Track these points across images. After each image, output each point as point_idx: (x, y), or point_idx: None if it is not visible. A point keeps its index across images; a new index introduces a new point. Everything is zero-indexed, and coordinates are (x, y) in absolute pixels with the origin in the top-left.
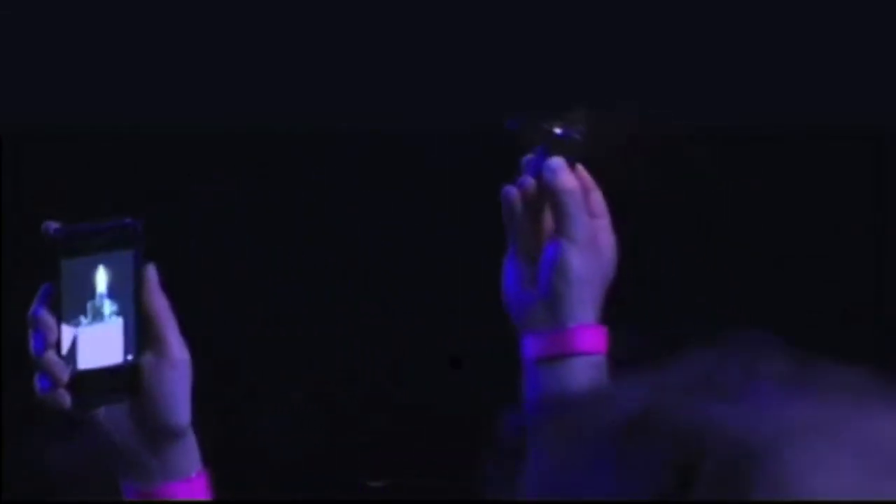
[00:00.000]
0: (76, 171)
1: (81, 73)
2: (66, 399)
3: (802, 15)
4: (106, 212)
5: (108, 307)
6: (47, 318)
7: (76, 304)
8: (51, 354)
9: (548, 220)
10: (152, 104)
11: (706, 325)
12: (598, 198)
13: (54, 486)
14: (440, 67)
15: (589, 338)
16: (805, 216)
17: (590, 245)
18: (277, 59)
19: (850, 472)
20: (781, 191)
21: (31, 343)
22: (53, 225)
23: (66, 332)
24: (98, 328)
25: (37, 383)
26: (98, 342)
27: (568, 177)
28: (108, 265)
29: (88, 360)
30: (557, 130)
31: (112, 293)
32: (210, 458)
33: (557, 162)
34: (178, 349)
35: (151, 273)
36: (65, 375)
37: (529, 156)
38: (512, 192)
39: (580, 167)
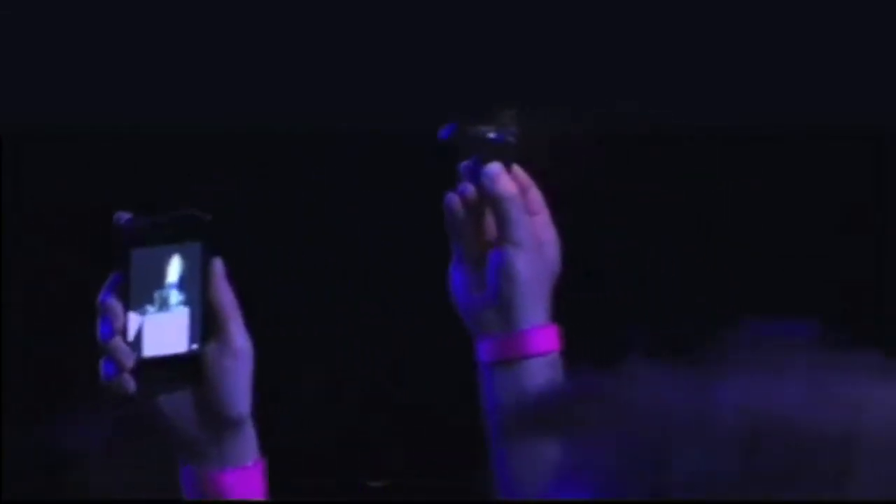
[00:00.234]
0: (76, 171)
1: (81, 73)
2: (130, 385)
3: (802, 15)
4: (107, 212)
5: (174, 297)
6: (115, 304)
7: (144, 293)
8: (117, 340)
9: (490, 224)
10: (152, 104)
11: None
12: (535, 195)
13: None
14: (440, 68)
15: (542, 338)
16: (805, 216)
17: (534, 246)
18: (277, 59)
19: None
20: (781, 191)
21: (99, 329)
22: (124, 215)
23: (133, 320)
24: (164, 317)
25: (102, 369)
26: (163, 331)
27: (506, 182)
28: (176, 256)
29: (153, 347)
30: (491, 135)
31: (179, 283)
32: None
33: (495, 168)
34: (241, 340)
35: (218, 265)
36: (130, 361)
37: (466, 162)
38: (453, 199)
39: (516, 168)
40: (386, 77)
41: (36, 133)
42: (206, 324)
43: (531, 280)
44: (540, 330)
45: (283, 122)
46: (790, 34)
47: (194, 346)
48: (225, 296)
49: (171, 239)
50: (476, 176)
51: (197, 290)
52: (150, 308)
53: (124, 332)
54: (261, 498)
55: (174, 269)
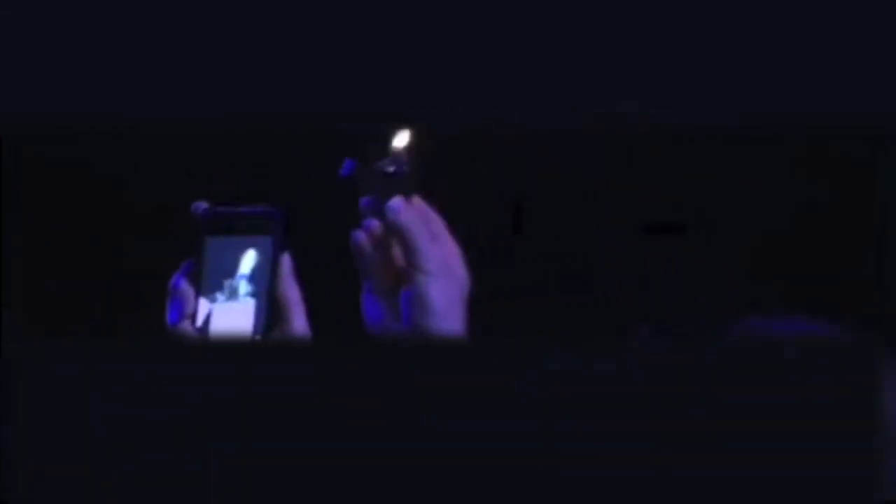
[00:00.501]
0: (76, 171)
1: (81, 73)
2: None
3: (802, 15)
4: (113, 211)
5: (243, 287)
6: (187, 289)
7: (215, 281)
8: (186, 324)
9: (398, 255)
10: (152, 104)
11: (706, 325)
12: (436, 220)
13: None
14: (440, 68)
15: None
16: (805, 216)
17: (443, 271)
18: (277, 59)
19: None
20: (781, 191)
21: (168, 312)
22: (202, 205)
23: (203, 306)
24: (232, 306)
25: None
26: (230, 319)
27: (408, 214)
28: (248, 248)
29: (220, 335)
30: (390, 169)
31: (249, 275)
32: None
33: (396, 202)
34: (302, 334)
35: (287, 261)
36: None
37: (367, 198)
38: (360, 236)
39: (416, 197)
40: (385, 77)
41: (36, 133)
42: (270, 316)
43: (444, 305)
44: None
45: (283, 122)
46: (790, 34)
47: (258, 338)
48: (291, 290)
49: (245, 231)
50: (379, 210)
51: (265, 282)
52: (219, 296)
53: (193, 317)
54: None
55: (246, 260)
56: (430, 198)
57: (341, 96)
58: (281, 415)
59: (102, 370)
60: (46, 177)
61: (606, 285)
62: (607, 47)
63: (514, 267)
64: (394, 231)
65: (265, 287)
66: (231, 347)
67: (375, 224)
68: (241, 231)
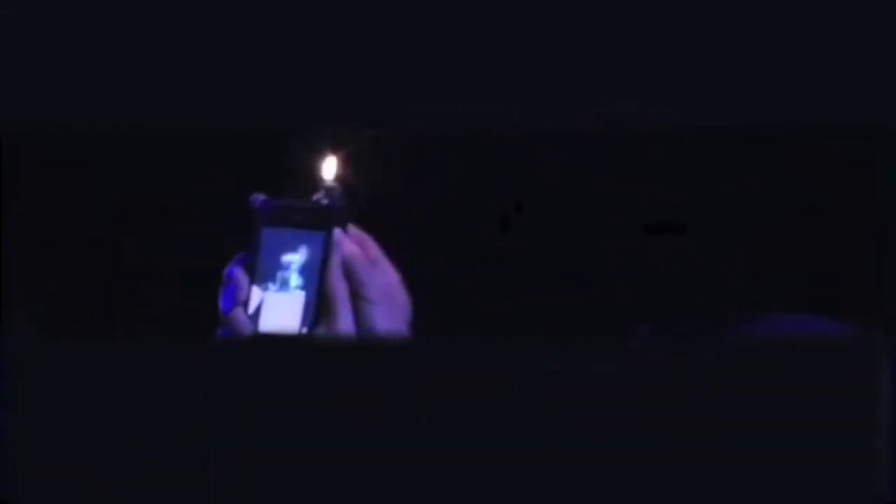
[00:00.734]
0: (76, 171)
1: (81, 73)
2: None
3: (802, 15)
4: (112, 211)
5: (294, 279)
6: (241, 277)
7: (268, 271)
8: (239, 311)
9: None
10: (152, 104)
11: (706, 325)
12: (372, 247)
13: None
14: (440, 68)
15: None
16: (805, 216)
17: (385, 297)
18: (277, 59)
19: None
20: (781, 191)
21: (221, 299)
22: (260, 196)
23: (255, 294)
24: (283, 297)
25: (218, 337)
26: (280, 310)
27: (349, 246)
28: (302, 241)
29: (269, 324)
30: (324, 202)
31: (301, 268)
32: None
33: (338, 235)
34: (348, 330)
35: (337, 256)
36: (248, 331)
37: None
38: None
39: (351, 227)
40: (385, 77)
41: (36, 133)
42: (318, 310)
43: (390, 332)
44: None
45: (282, 122)
46: (790, 34)
47: (304, 331)
48: (339, 285)
49: (300, 225)
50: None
51: (315, 276)
52: (271, 286)
53: (246, 305)
54: None
55: (299, 253)
56: (430, 198)
57: (341, 96)
58: (281, 415)
59: (102, 370)
60: (46, 177)
61: (606, 285)
62: (607, 47)
63: (513, 267)
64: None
65: (315, 281)
66: (231, 347)
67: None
68: (297, 224)
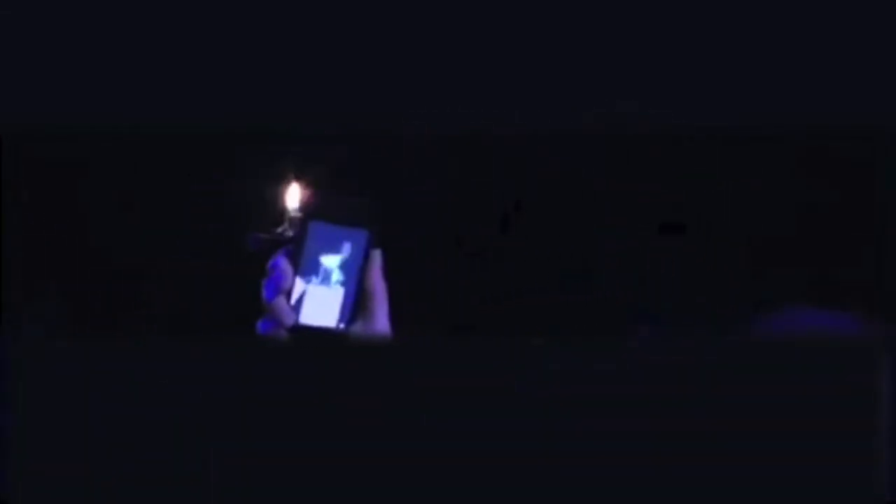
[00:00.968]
0: (76, 171)
1: (81, 73)
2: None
3: (802, 15)
4: (112, 211)
5: (336, 274)
6: (287, 266)
7: (311, 264)
8: (282, 300)
9: None
10: (152, 104)
11: (706, 325)
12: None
13: None
14: (440, 69)
15: None
16: (805, 216)
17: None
18: (277, 59)
19: None
20: (781, 191)
21: (265, 288)
22: (305, 192)
23: (298, 286)
24: (324, 291)
25: (258, 327)
26: (321, 303)
27: None
28: (345, 238)
29: (309, 316)
30: (289, 234)
31: (342, 264)
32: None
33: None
34: (384, 328)
35: (377, 256)
36: (290, 321)
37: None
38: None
39: None
40: (385, 77)
41: (36, 133)
42: (356, 307)
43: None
44: None
45: (282, 122)
46: (790, 34)
47: (342, 326)
48: (378, 284)
49: (345, 221)
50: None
51: (355, 273)
52: (314, 278)
53: (289, 294)
54: None
55: (341, 249)
56: (430, 198)
57: (342, 97)
58: (281, 415)
59: (102, 370)
60: (46, 177)
61: (606, 285)
62: (607, 47)
63: (513, 267)
64: None
65: (355, 278)
66: (231, 347)
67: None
68: (342, 220)
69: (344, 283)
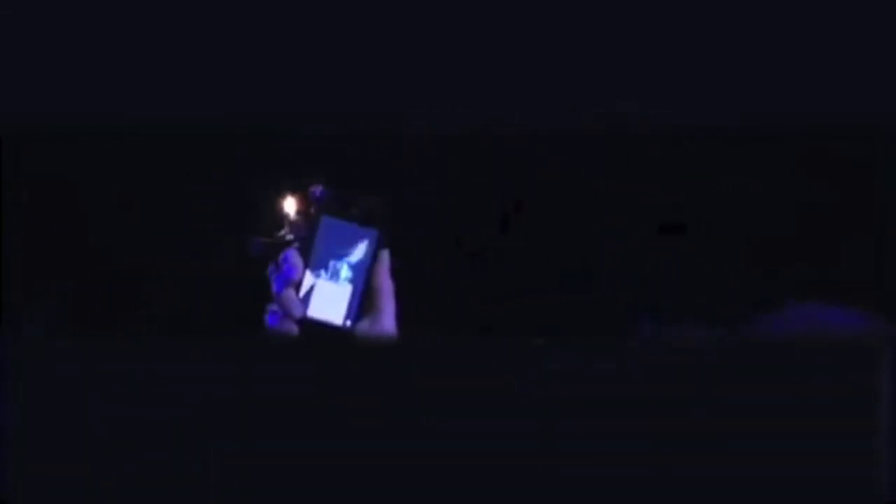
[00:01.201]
0: (76, 171)
1: (81, 73)
2: (294, 330)
3: (802, 15)
4: (112, 211)
5: (345, 271)
6: (297, 259)
7: (321, 259)
8: (291, 292)
9: None
10: (152, 104)
11: (706, 325)
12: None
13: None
14: (440, 69)
15: None
16: (805, 216)
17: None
18: (277, 59)
19: None
20: (781, 191)
21: (274, 280)
22: (319, 187)
23: (308, 279)
24: (332, 286)
25: (266, 320)
26: (328, 298)
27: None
28: (355, 235)
29: (317, 310)
30: (289, 237)
31: (351, 261)
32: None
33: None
34: (389, 326)
35: (386, 255)
36: (299, 312)
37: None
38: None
39: None
40: (385, 77)
41: (36, 133)
42: (363, 304)
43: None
44: None
45: (282, 122)
46: (790, 34)
47: (348, 323)
48: (385, 282)
49: (356, 219)
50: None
51: (364, 271)
52: (323, 273)
53: (298, 287)
54: None
55: (351, 246)
56: (430, 198)
57: (342, 96)
58: (281, 415)
59: (102, 370)
60: (46, 177)
61: (606, 285)
62: (607, 47)
63: (513, 267)
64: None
65: (363, 276)
66: (231, 347)
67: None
68: (353, 218)
69: (352, 281)
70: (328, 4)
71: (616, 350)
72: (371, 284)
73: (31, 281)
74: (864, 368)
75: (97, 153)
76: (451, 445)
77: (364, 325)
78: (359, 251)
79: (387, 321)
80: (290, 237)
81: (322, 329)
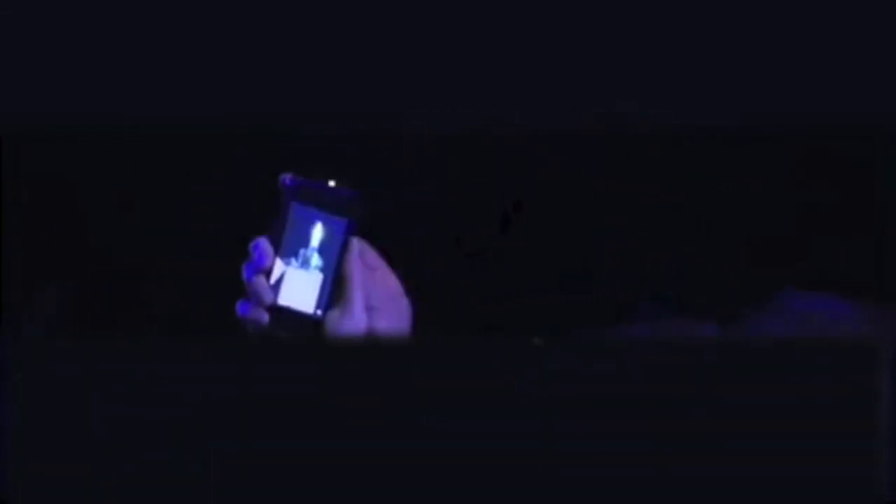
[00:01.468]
0: (76, 171)
1: (81, 73)
2: (263, 318)
3: (802, 15)
4: (112, 211)
5: (315, 259)
6: (267, 247)
7: (291, 247)
8: (261, 279)
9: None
10: (152, 104)
11: (706, 325)
12: (370, 252)
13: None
14: (440, 69)
15: None
16: (805, 216)
17: (386, 304)
18: (277, 58)
19: None
20: (781, 191)
21: (244, 268)
22: (289, 175)
23: (278, 267)
24: (302, 274)
25: (238, 309)
26: (299, 287)
27: (348, 260)
28: (326, 224)
29: (287, 298)
30: (331, 184)
31: (321, 249)
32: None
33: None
34: (360, 316)
35: (356, 244)
36: (269, 299)
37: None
38: None
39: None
40: (385, 77)
41: (36, 133)
42: (333, 293)
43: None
44: None
45: (282, 122)
46: (790, 34)
47: (319, 312)
48: (356, 271)
49: (326, 207)
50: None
51: (334, 259)
52: (293, 261)
53: (269, 274)
54: None
55: (321, 234)
56: (430, 198)
57: (342, 96)
58: (281, 415)
59: (102, 370)
60: (46, 177)
61: (606, 285)
62: (607, 47)
63: (513, 267)
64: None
65: (334, 265)
66: (231, 347)
67: None
68: (323, 206)
69: (323, 270)
70: (328, 4)
71: (616, 350)
72: (342, 272)
73: (31, 281)
74: (864, 368)
75: (97, 153)
76: (450, 445)
77: (334, 314)
78: (329, 239)
79: (357, 311)
80: (331, 184)
81: (292, 317)
